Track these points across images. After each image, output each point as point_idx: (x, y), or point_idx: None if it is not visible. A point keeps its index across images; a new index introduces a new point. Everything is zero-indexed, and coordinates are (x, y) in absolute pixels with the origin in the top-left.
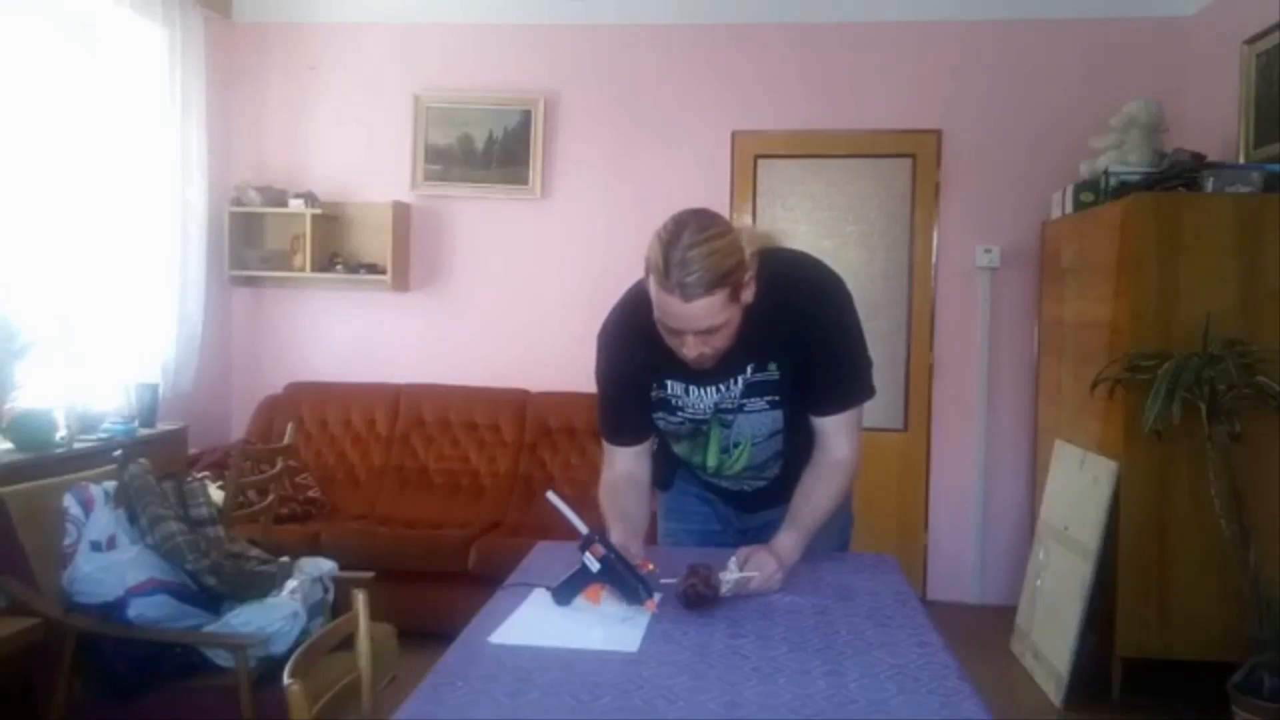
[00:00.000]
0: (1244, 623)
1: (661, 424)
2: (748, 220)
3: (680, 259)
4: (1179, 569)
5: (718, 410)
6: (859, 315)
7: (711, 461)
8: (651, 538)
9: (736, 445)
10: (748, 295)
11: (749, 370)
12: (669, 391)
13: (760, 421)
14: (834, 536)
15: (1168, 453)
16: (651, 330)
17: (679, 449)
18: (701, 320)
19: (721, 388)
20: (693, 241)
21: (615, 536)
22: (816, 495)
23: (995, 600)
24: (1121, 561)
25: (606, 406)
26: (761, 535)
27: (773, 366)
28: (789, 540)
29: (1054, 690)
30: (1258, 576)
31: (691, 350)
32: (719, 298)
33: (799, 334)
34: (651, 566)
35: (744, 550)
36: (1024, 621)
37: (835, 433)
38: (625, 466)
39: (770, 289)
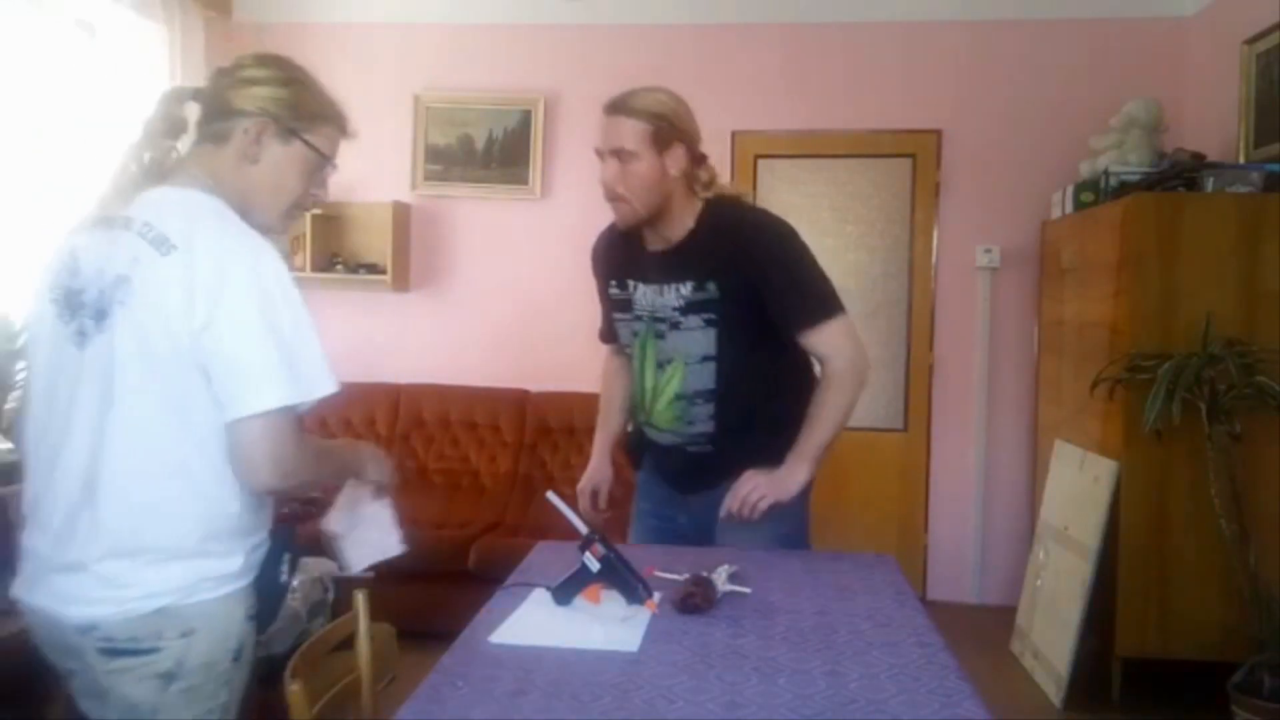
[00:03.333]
0: (1244, 623)
1: (620, 329)
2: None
3: (630, 91)
4: (1179, 569)
5: (654, 319)
6: (811, 253)
7: (649, 381)
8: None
9: (670, 362)
10: (674, 163)
11: (688, 286)
12: (625, 291)
13: (694, 340)
14: (784, 534)
15: (1168, 453)
16: (621, 238)
17: (633, 375)
18: (615, 138)
19: (660, 289)
20: (647, 89)
21: (601, 423)
22: (815, 408)
23: (995, 600)
24: (1121, 561)
25: (602, 310)
26: (706, 520)
27: (711, 286)
28: (791, 458)
29: (1054, 690)
30: (1258, 576)
31: (607, 173)
32: (639, 125)
33: (741, 256)
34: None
35: (745, 476)
36: (1024, 621)
37: (821, 345)
38: (614, 359)
39: (717, 217)
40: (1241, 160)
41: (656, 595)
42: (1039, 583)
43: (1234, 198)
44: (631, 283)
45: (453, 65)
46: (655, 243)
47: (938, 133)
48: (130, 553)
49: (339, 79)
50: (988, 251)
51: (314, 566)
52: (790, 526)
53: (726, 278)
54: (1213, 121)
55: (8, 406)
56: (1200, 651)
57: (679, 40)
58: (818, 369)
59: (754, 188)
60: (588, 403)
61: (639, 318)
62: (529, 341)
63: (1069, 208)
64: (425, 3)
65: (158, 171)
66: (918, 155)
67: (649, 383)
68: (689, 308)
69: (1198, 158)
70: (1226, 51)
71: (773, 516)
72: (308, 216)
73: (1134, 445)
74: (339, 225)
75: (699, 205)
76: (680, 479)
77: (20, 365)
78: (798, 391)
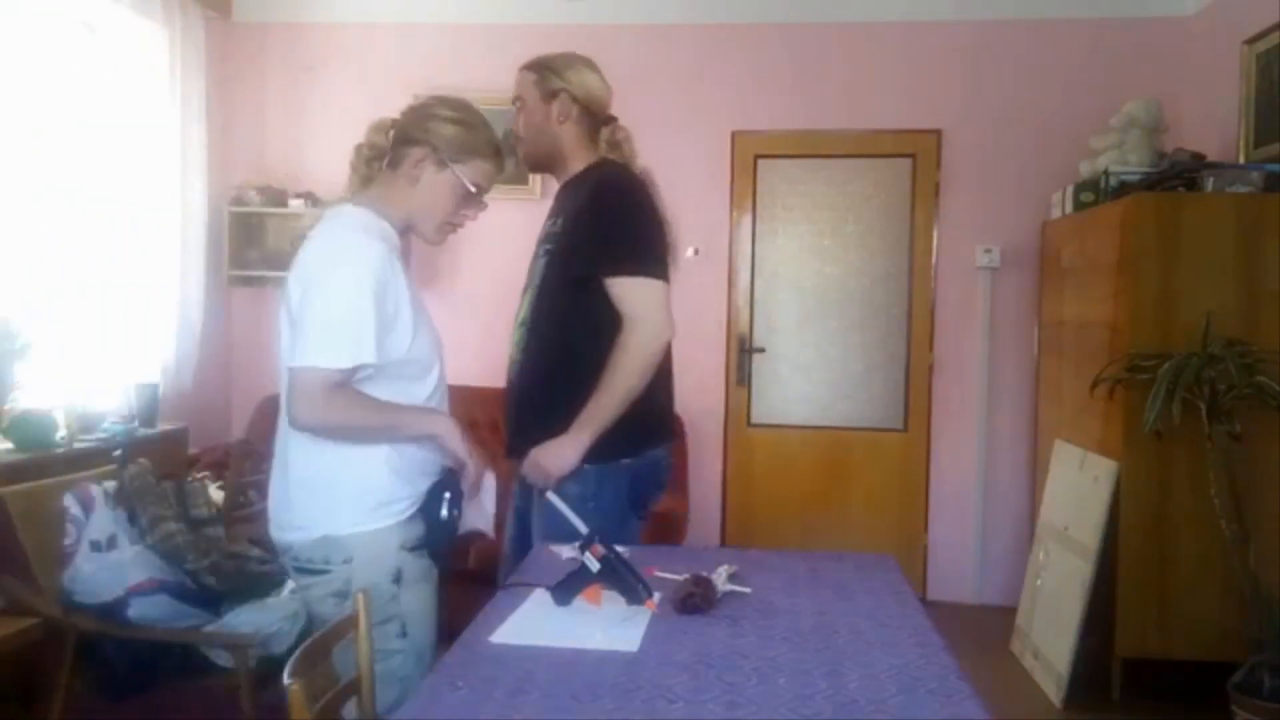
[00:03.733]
0: (1244, 623)
1: None
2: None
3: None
4: (1179, 569)
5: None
6: (650, 216)
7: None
8: None
9: (529, 289)
10: (558, 113)
11: (549, 222)
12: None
13: (538, 268)
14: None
15: (1168, 453)
16: None
17: None
18: (515, 89)
19: (544, 226)
20: (561, 53)
21: None
22: (602, 377)
23: (995, 600)
24: (1121, 561)
25: None
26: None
27: (559, 221)
28: (570, 429)
29: (1054, 690)
30: (1258, 576)
31: (514, 119)
32: (529, 75)
33: (582, 197)
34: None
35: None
36: (1024, 621)
37: (624, 300)
38: None
39: (594, 168)
40: (1241, 160)
41: (656, 595)
42: (1039, 583)
43: (1234, 198)
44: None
45: (453, 65)
46: None
47: (938, 133)
48: (305, 490)
49: (339, 79)
50: (988, 251)
51: None
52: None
53: (567, 215)
54: (1213, 121)
55: (7, 406)
56: (1200, 651)
57: (679, 40)
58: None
59: (754, 188)
60: None
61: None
62: None
63: (1069, 208)
64: (425, 3)
65: (359, 189)
66: (918, 155)
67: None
68: (545, 239)
69: (1198, 158)
70: (1226, 51)
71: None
72: (307, 216)
73: (1134, 445)
74: None
75: (594, 159)
76: (507, 435)
77: (20, 365)
78: (590, 358)
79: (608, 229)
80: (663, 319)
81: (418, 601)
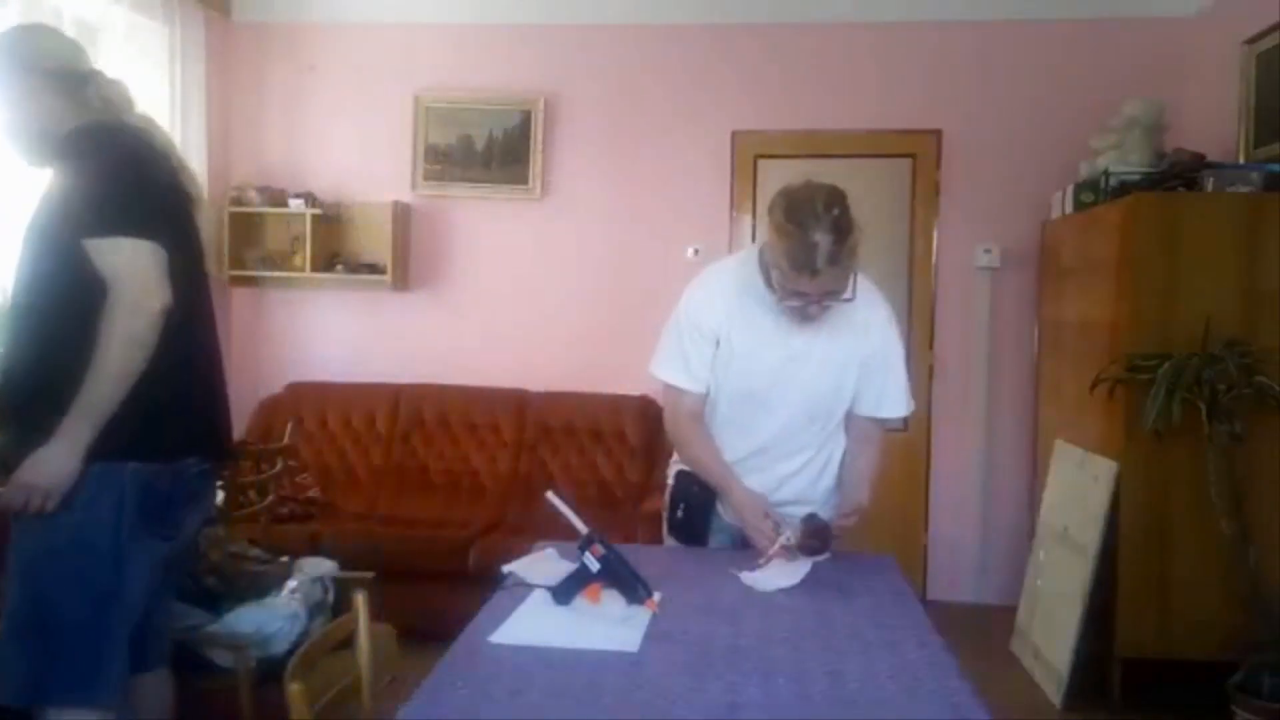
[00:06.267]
0: (1244, 623)
1: None
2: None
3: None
4: (1179, 569)
5: None
6: (125, 166)
7: None
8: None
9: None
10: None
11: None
12: None
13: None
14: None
15: (1168, 453)
16: None
17: None
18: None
19: None
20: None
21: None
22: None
23: (995, 600)
24: (1121, 561)
25: None
26: None
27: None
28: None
29: (1054, 690)
30: (1258, 576)
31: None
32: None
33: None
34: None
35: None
36: (1024, 621)
37: (102, 265)
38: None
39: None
40: (1241, 160)
41: (656, 595)
42: (1039, 583)
43: (1234, 198)
44: None
45: (453, 65)
46: None
47: (938, 133)
48: None
49: (339, 79)
50: (988, 251)
51: (313, 567)
52: (39, 541)
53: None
54: (1213, 121)
55: None
56: (1200, 651)
57: (679, 40)
58: None
59: (754, 188)
60: (588, 403)
61: None
62: (529, 342)
63: (1069, 208)
64: (425, 3)
65: None
66: (918, 155)
67: None
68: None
69: (1198, 158)
70: (1226, 51)
71: (38, 524)
72: (307, 216)
73: (1134, 445)
74: (339, 225)
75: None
76: None
77: None
78: (75, 340)
79: (85, 186)
80: (146, 283)
81: None
